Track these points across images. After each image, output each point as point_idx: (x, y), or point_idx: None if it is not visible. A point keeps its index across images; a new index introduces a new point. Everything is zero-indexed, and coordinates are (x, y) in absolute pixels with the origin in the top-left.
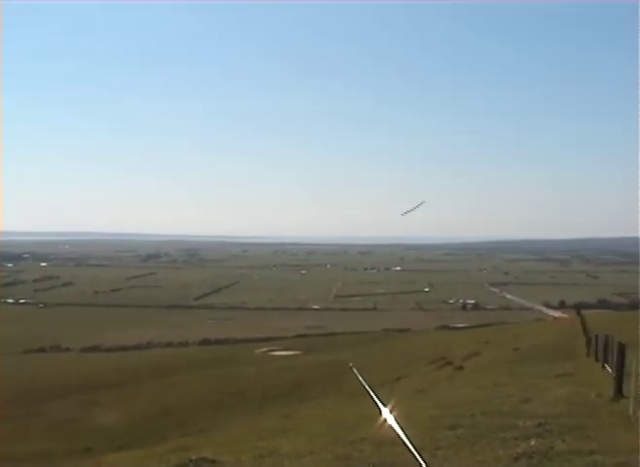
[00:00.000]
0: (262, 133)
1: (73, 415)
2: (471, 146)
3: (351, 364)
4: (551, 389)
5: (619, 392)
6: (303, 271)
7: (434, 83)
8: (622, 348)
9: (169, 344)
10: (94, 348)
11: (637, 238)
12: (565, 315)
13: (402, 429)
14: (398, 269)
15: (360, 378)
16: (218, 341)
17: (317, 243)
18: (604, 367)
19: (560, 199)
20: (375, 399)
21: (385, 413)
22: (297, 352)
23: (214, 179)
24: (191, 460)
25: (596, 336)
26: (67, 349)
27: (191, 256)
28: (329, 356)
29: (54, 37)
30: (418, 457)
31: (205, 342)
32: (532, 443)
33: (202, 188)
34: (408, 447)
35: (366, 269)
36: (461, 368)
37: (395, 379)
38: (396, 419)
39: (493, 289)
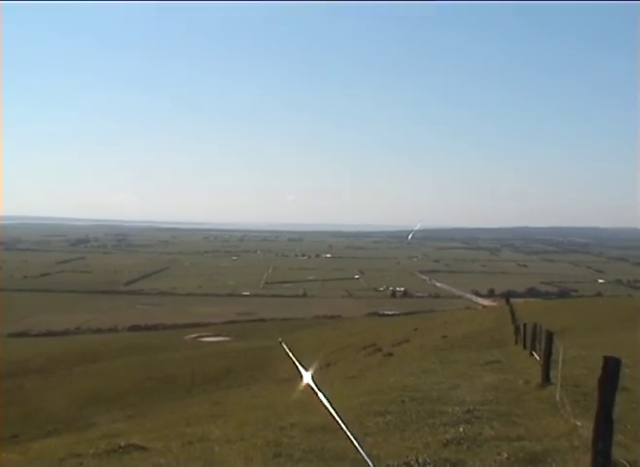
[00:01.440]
0: (197, 116)
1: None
2: (407, 135)
3: (280, 339)
4: (479, 376)
5: (546, 379)
6: (234, 258)
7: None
8: (549, 336)
9: (98, 330)
10: (22, 334)
11: (566, 228)
12: (494, 303)
13: (323, 394)
14: (328, 256)
15: (289, 353)
16: (147, 327)
17: (248, 230)
18: (532, 354)
19: (490, 189)
20: (298, 365)
21: (306, 377)
22: (226, 338)
23: (145, 163)
24: (120, 447)
25: (525, 324)
26: None
27: (120, 241)
28: (258, 342)
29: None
30: (348, 433)
31: (135, 328)
32: (461, 429)
33: (133, 172)
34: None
35: (296, 255)
36: (390, 355)
37: (325, 366)
38: (315, 383)
39: (423, 277)
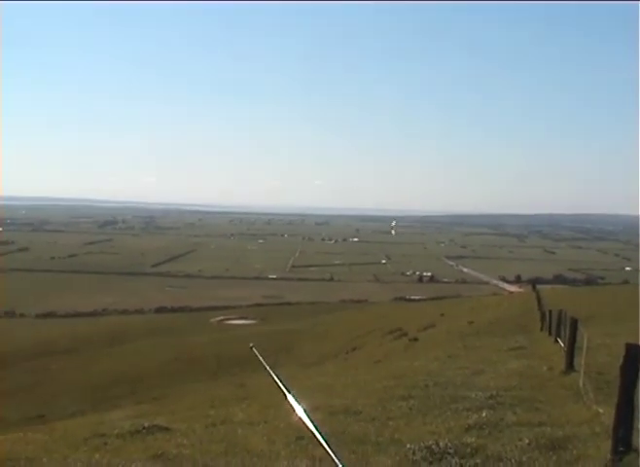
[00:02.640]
0: (226, 102)
1: (26, 382)
2: (435, 120)
3: (252, 344)
4: (503, 362)
5: (570, 366)
6: (261, 241)
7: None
8: (574, 323)
9: (125, 311)
10: (50, 315)
11: (595, 215)
12: (521, 290)
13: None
14: (355, 240)
15: (262, 360)
16: (174, 309)
17: (275, 213)
18: (557, 341)
19: (519, 175)
20: (280, 385)
21: (290, 399)
22: (252, 321)
23: (173, 147)
24: (144, 427)
25: (550, 311)
26: (22, 315)
27: (148, 223)
28: (284, 326)
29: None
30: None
31: (161, 310)
32: (483, 414)
33: (161, 155)
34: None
35: (323, 239)
36: (416, 339)
37: (350, 350)
38: (298, 402)
39: (450, 262)
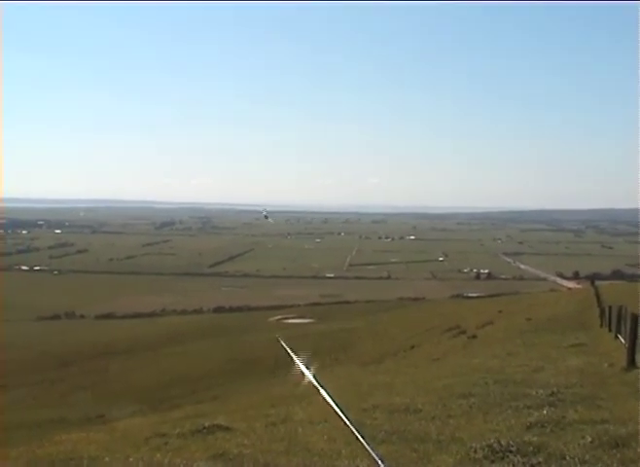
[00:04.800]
0: (275, 103)
1: (87, 382)
2: (484, 114)
3: (278, 336)
4: (563, 359)
5: (631, 362)
6: (318, 240)
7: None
8: (635, 319)
9: (184, 312)
10: (109, 315)
11: None
12: (579, 286)
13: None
14: (412, 237)
15: (287, 349)
16: (232, 309)
17: (331, 212)
18: (617, 337)
19: (575, 170)
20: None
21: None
22: (310, 320)
23: (228, 147)
24: (205, 427)
25: (610, 306)
26: (82, 316)
27: (205, 223)
28: (342, 324)
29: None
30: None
31: (219, 310)
32: (544, 412)
33: (216, 156)
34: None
35: (380, 237)
36: (474, 337)
37: (409, 348)
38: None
39: (507, 259)
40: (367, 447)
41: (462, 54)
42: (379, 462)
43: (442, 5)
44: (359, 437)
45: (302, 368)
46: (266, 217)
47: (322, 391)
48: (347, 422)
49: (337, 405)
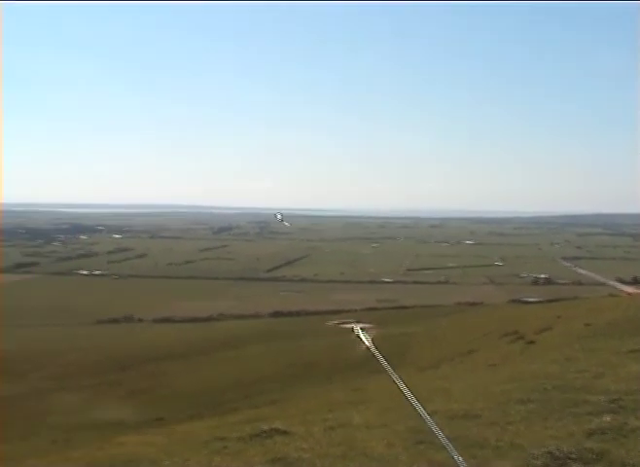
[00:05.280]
0: (334, 109)
1: (145, 386)
2: (540, 118)
3: (356, 329)
4: (624, 365)
5: None
6: (375, 244)
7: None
8: None
9: (241, 316)
10: (167, 320)
11: None
12: (639, 291)
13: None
14: (469, 242)
15: (364, 339)
16: (289, 314)
17: (388, 216)
18: None
19: (633, 172)
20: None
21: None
22: (367, 325)
23: (285, 152)
24: (263, 431)
25: None
26: (140, 320)
27: (262, 228)
28: (400, 329)
29: None
30: None
31: (277, 314)
32: (605, 419)
33: (274, 161)
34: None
35: (437, 242)
36: (533, 342)
37: (466, 353)
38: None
39: (565, 263)
40: (452, 454)
41: (517, 60)
42: None
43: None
44: (446, 444)
45: (388, 368)
46: (281, 220)
47: (408, 394)
48: (434, 428)
49: (423, 409)
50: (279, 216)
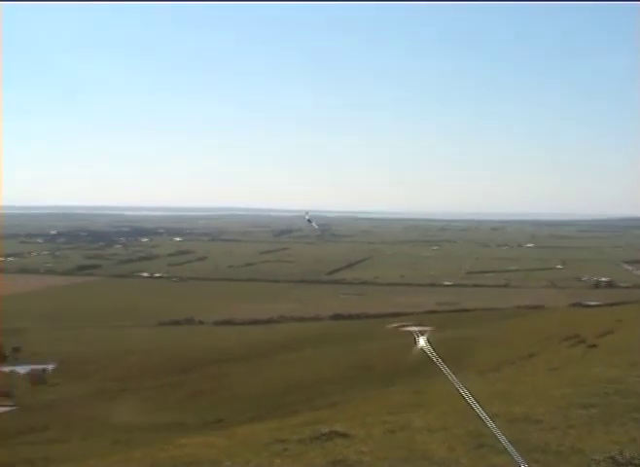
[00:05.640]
0: (391, 112)
1: (205, 388)
2: (604, 120)
3: (417, 330)
4: None
5: None
6: (435, 247)
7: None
8: None
9: (301, 319)
10: (227, 322)
11: None
12: None
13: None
14: (530, 245)
15: (432, 354)
16: (350, 316)
17: (449, 219)
18: None
19: None
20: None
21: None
22: (428, 328)
23: (344, 155)
24: (323, 433)
25: None
26: (201, 323)
27: (323, 231)
28: (460, 332)
29: None
30: None
31: (337, 317)
32: None
33: (333, 164)
34: None
35: (498, 245)
36: (594, 346)
37: (527, 356)
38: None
39: (628, 267)
40: (514, 458)
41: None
42: None
43: None
44: (508, 448)
45: (446, 372)
46: (309, 221)
47: (468, 397)
48: (496, 432)
49: (485, 413)
50: (307, 216)
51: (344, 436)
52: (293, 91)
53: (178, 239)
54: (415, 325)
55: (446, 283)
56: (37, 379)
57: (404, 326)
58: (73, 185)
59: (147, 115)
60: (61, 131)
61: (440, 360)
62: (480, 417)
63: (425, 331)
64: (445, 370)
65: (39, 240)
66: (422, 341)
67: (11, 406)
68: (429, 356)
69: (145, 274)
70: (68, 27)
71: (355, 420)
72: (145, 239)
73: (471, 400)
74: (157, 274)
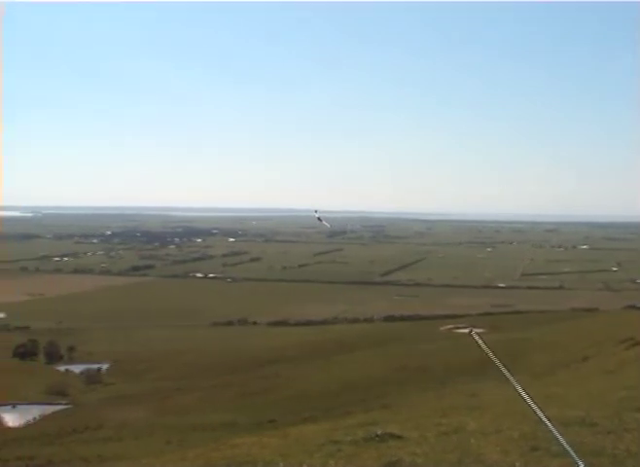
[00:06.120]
0: (443, 112)
1: (258, 388)
2: None
3: (471, 329)
4: None
5: None
6: (489, 249)
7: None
8: None
9: (355, 320)
10: (281, 323)
11: None
12: None
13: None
14: (584, 247)
15: (491, 355)
16: (403, 318)
17: (503, 221)
18: None
19: None
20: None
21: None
22: (481, 330)
23: (398, 157)
24: (377, 435)
25: None
26: (254, 323)
27: (376, 232)
28: (514, 334)
29: None
30: None
31: (390, 319)
32: None
33: (388, 165)
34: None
35: (552, 246)
36: None
37: (581, 359)
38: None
39: None
40: (574, 460)
41: None
42: None
43: None
44: (566, 451)
45: (508, 375)
46: (319, 219)
47: (527, 400)
48: (558, 436)
49: (543, 416)
50: (316, 214)
51: (398, 438)
52: (337, 92)
53: (232, 240)
54: (469, 327)
55: (500, 285)
56: (91, 379)
57: (457, 328)
58: (124, 186)
59: (199, 117)
60: (112, 132)
61: (499, 363)
62: (542, 421)
63: (479, 333)
64: (506, 372)
65: (94, 241)
66: (482, 344)
67: (66, 404)
68: (483, 358)
69: (199, 275)
70: (124, 30)
71: (409, 422)
72: (199, 240)
73: (530, 403)
74: (211, 275)
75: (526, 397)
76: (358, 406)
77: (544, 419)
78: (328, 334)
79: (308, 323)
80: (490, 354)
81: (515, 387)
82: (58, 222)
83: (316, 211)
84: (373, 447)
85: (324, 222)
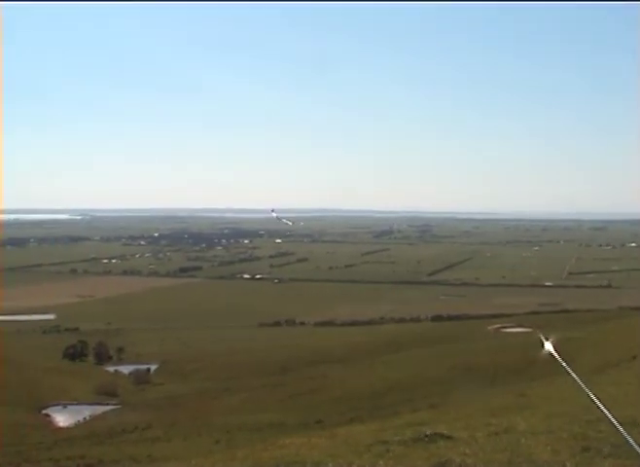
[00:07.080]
0: (486, 114)
1: (305, 388)
2: None
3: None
4: None
5: None
6: (536, 248)
7: None
8: None
9: (402, 320)
10: (328, 323)
11: None
12: None
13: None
14: (633, 245)
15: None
16: (450, 317)
17: (550, 219)
18: None
19: None
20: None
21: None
22: (529, 329)
23: (445, 158)
24: (426, 435)
25: None
26: (302, 323)
27: (423, 232)
28: (562, 334)
29: None
30: None
31: (437, 318)
32: None
33: (435, 165)
34: None
35: (600, 245)
36: None
37: (631, 358)
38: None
39: None
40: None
41: None
42: None
43: None
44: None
45: (572, 373)
46: (278, 219)
47: (595, 400)
48: (628, 438)
49: (611, 416)
50: (274, 214)
51: (447, 438)
52: (389, 92)
53: (278, 241)
54: (517, 326)
55: (548, 284)
56: (140, 379)
57: (505, 327)
58: (172, 190)
59: (248, 118)
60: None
61: (563, 363)
62: (585, 420)
63: (526, 332)
64: (572, 372)
65: (142, 243)
66: (546, 344)
67: (115, 404)
68: (530, 358)
69: (246, 276)
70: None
71: (458, 422)
72: (246, 241)
73: (575, 403)
74: (258, 276)
75: (593, 397)
76: (405, 406)
77: (612, 420)
78: (375, 334)
79: (355, 323)
80: (555, 354)
81: (580, 386)
82: (107, 224)
83: (273, 210)
84: (422, 447)
85: (288, 222)
